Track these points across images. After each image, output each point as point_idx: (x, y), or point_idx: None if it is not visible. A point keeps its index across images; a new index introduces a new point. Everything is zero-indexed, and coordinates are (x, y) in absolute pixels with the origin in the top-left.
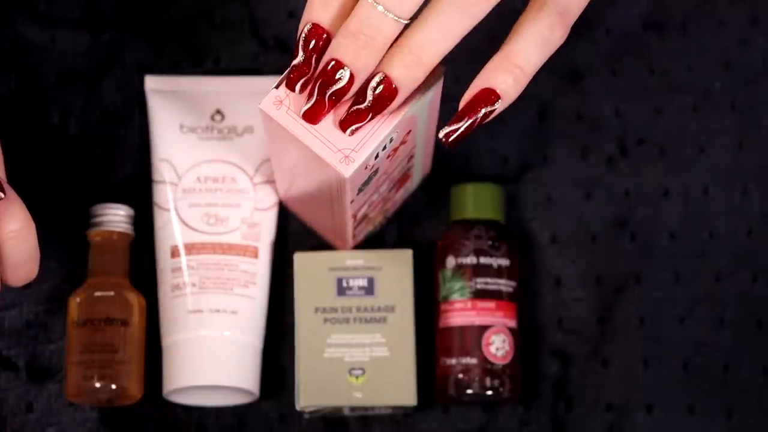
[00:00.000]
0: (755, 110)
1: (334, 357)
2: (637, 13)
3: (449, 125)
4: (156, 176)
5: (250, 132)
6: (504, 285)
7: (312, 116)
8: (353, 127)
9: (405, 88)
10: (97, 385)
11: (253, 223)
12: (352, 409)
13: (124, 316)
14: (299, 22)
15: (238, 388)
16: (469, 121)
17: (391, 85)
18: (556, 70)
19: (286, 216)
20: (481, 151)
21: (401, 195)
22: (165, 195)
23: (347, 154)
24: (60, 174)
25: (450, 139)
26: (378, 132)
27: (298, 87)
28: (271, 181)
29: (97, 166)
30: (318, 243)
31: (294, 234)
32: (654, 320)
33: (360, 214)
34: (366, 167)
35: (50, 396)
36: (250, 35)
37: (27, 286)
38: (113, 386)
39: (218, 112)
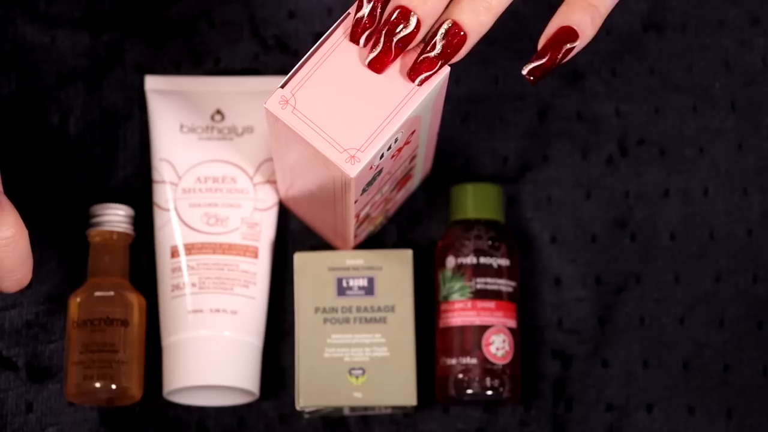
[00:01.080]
0: (755, 111)
1: (334, 357)
2: (637, 13)
3: (531, 62)
4: (156, 176)
5: (250, 132)
6: (504, 285)
7: (379, 64)
8: (423, 76)
9: (474, 33)
10: (97, 385)
11: (253, 223)
12: (352, 409)
13: (124, 316)
14: (299, 22)
15: (238, 388)
16: (551, 58)
17: (461, 31)
18: (556, 70)
19: (286, 216)
20: (481, 151)
21: (402, 195)
22: (165, 195)
23: (353, 154)
24: (60, 174)
25: (533, 77)
26: (384, 132)
27: (362, 40)
28: (271, 181)
29: (97, 166)
30: (318, 243)
31: (294, 234)
32: (654, 320)
33: (363, 214)
34: (371, 167)
35: (50, 396)
36: (250, 35)
37: (27, 287)
38: (113, 386)
39: (218, 112)
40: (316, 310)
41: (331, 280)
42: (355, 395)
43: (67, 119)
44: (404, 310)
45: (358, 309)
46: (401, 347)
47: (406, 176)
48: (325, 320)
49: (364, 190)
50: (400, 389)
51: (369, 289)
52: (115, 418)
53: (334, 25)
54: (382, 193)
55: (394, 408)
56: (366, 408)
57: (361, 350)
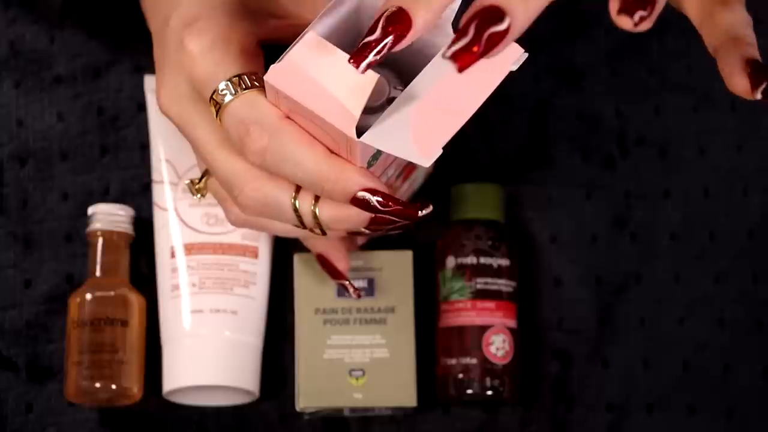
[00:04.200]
0: (755, 111)
1: (334, 358)
2: None
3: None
4: (156, 176)
5: None
6: (504, 285)
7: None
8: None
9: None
10: (97, 385)
11: None
12: (353, 410)
13: (124, 316)
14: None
15: (238, 388)
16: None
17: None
18: (556, 70)
19: None
20: (481, 151)
21: (406, 191)
22: (165, 195)
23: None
24: (60, 174)
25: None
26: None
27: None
28: None
29: (97, 166)
30: None
31: None
32: (654, 320)
33: None
34: None
35: (50, 396)
36: None
37: (27, 286)
38: (113, 386)
39: None
40: (316, 311)
41: (331, 280)
42: (355, 396)
43: (67, 119)
44: (404, 311)
45: (358, 310)
46: (401, 348)
47: (411, 164)
48: (325, 321)
49: (369, 164)
50: (400, 390)
51: (369, 290)
52: (115, 418)
53: None
54: (388, 176)
55: (394, 409)
56: (366, 409)
57: (361, 351)
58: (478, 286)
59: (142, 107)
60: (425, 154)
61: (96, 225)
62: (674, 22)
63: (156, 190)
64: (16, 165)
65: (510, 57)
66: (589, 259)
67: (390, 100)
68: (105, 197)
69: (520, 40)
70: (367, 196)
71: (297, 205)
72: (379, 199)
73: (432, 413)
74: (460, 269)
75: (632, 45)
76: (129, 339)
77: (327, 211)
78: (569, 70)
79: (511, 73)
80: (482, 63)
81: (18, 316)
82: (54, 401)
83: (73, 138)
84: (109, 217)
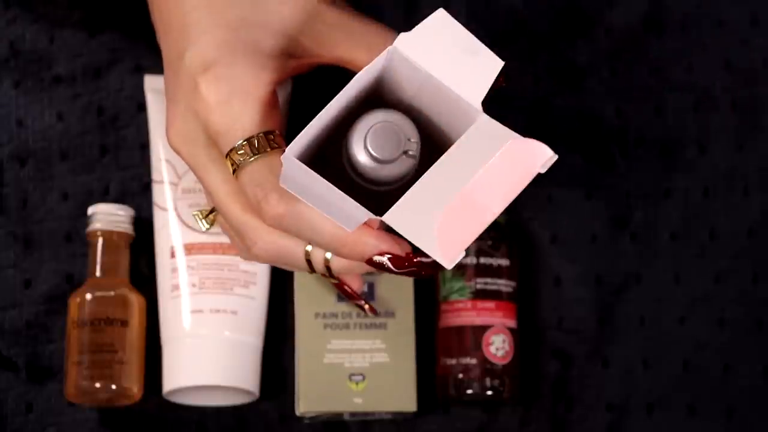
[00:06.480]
0: (755, 110)
1: (334, 363)
2: (637, 13)
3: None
4: (156, 176)
5: None
6: (504, 285)
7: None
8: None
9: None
10: (97, 385)
11: None
12: (352, 414)
13: (124, 316)
14: None
15: (238, 388)
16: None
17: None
18: (556, 70)
19: None
20: None
21: None
22: (165, 195)
23: None
24: (60, 174)
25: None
26: None
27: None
28: None
29: (97, 166)
30: None
31: None
32: (654, 320)
33: None
34: None
35: (50, 396)
36: None
37: (27, 286)
38: (113, 386)
39: None
40: (317, 315)
41: (331, 285)
42: (355, 401)
43: (67, 119)
44: (404, 316)
45: (358, 315)
46: (401, 353)
47: None
48: (325, 326)
49: None
50: (400, 395)
51: (369, 295)
52: (115, 418)
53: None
54: None
55: (394, 414)
56: (366, 413)
57: (361, 356)
58: (478, 286)
59: (142, 107)
60: (447, 256)
61: (96, 225)
62: (674, 22)
63: (156, 190)
64: (16, 165)
65: (539, 159)
66: (589, 259)
67: (405, 152)
68: (105, 197)
69: (522, 38)
70: (383, 259)
71: (310, 256)
72: (394, 260)
73: (432, 414)
74: (460, 269)
75: (632, 45)
76: (129, 339)
77: (340, 264)
78: (569, 70)
79: (511, 72)
80: (512, 165)
81: (18, 316)
82: (54, 401)
83: (73, 138)
84: (109, 217)
